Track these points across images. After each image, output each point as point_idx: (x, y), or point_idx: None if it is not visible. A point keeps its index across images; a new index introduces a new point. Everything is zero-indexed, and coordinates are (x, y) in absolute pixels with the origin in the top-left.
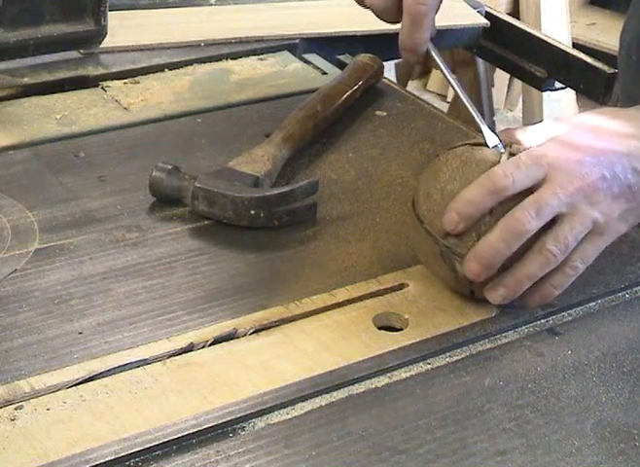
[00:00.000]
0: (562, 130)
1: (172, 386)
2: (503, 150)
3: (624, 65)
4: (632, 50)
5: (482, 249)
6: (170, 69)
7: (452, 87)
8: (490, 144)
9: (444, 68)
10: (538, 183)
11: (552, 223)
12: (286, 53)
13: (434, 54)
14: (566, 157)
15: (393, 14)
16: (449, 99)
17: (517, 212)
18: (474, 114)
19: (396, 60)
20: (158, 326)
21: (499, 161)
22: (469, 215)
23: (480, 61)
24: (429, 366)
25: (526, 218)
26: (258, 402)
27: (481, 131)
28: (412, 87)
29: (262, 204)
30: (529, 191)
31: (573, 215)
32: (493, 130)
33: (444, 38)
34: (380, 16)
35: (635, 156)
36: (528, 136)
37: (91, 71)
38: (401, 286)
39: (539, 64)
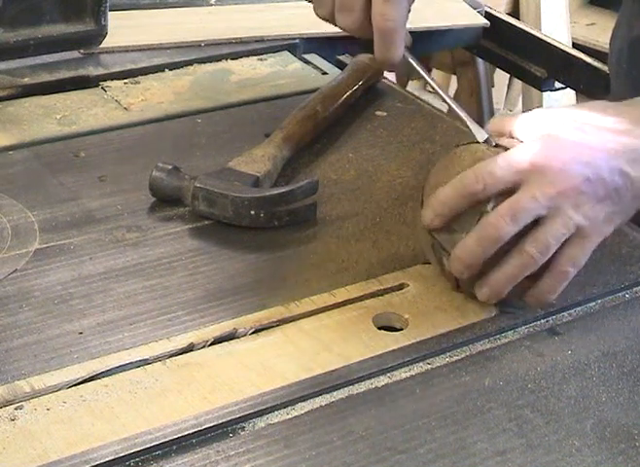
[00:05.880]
0: (551, 124)
1: (172, 386)
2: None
3: (615, 73)
4: (622, 57)
5: (461, 251)
6: (170, 69)
7: (438, 93)
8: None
9: (425, 75)
10: (516, 186)
11: (536, 224)
12: (286, 54)
13: (412, 62)
14: (551, 158)
15: (365, 31)
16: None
17: (493, 217)
18: (466, 119)
19: None
20: (158, 326)
21: None
22: (442, 214)
23: (479, 61)
24: (429, 366)
25: (501, 224)
26: (258, 402)
27: (471, 131)
28: (412, 87)
29: (262, 204)
30: (513, 191)
31: (554, 217)
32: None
33: (443, 38)
34: (354, 34)
35: (624, 156)
36: (519, 126)
37: (92, 71)
38: (401, 286)
39: (539, 64)
